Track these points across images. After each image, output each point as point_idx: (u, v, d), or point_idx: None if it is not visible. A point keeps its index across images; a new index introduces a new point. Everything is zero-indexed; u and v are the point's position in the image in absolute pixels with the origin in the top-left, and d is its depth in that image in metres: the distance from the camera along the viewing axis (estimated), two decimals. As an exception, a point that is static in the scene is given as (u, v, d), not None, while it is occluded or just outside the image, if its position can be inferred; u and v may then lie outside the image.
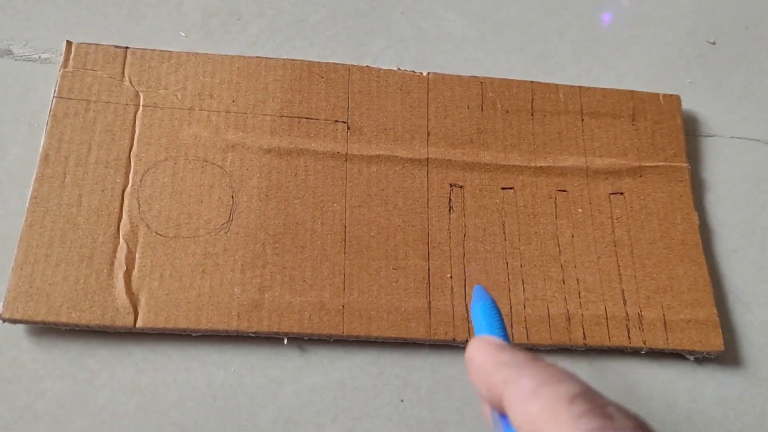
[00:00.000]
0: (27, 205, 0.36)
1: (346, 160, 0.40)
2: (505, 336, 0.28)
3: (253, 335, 0.36)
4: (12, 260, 0.35)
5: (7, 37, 0.42)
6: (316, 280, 0.37)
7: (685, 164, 0.43)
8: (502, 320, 0.29)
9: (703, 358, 0.39)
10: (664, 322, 0.39)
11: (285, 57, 0.42)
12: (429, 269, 0.38)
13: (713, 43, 0.50)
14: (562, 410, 0.19)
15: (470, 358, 0.24)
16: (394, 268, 0.38)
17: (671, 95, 0.45)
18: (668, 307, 0.39)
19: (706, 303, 0.39)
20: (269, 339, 0.36)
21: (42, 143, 0.37)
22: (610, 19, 0.49)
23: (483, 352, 0.23)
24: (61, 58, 0.40)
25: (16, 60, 0.41)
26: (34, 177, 0.37)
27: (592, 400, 0.19)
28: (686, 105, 0.45)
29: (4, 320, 0.34)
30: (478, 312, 0.30)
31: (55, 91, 0.39)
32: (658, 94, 0.45)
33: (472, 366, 0.24)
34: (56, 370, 0.34)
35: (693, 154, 0.45)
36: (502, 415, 0.23)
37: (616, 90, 0.44)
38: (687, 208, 0.42)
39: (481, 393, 0.23)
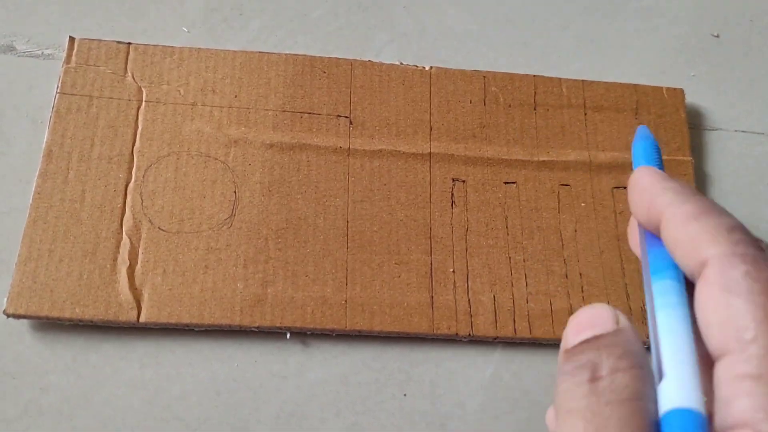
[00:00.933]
0: (30, 201, 0.36)
1: (348, 155, 0.40)
2: None
3: (255, 330, 0.36)
4: (16, 256, 0.35)
5: (10, 34, 0.42)
6: (319, 275, 0.37)
7: (689, 158, 0.43)
8: (662, 161, 0.28)
9: (706, 352, 0.39)
10: (668, 316, 0.38)
11: (287, 52, 0.42)
12: (431, 264, 0.38)
13: (717, 36, 0.50)
14: (721, 234, 0.20)
15: (636, 180, 0.24)
16: (396, 263, 0.38)
17: (674, 89, 0.45)
18: (671, 301, 0.39)
19: (710, 297, 0.39)
20: (272, 334, 0.36)
21: (45, 139, 0.38)
22: None
23: (652, 176, 0.24)
24: (64, 54, 0.40)
25: (18, 56, 0.41)
26: (37, 173, 0.37)
27: (749, 234, 0.20)
28: (690, 99, 0.45)
29: (9, 315, 0.34)
30: (640, 151, 0.29)
31: (57, 87, 0.39)
32: (661, 88, 0.45)
33: (638, 187, 0.24)
34: (60, 365, 0.35)
35: (697, 148, 0.45)
36: (651, 237, 0.24)
37: (619, 84, 0.44)
38: (690, 202, 0.42)
39: (638, 214, 0.24)
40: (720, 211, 0.21)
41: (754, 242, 0.20)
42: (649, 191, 0.23)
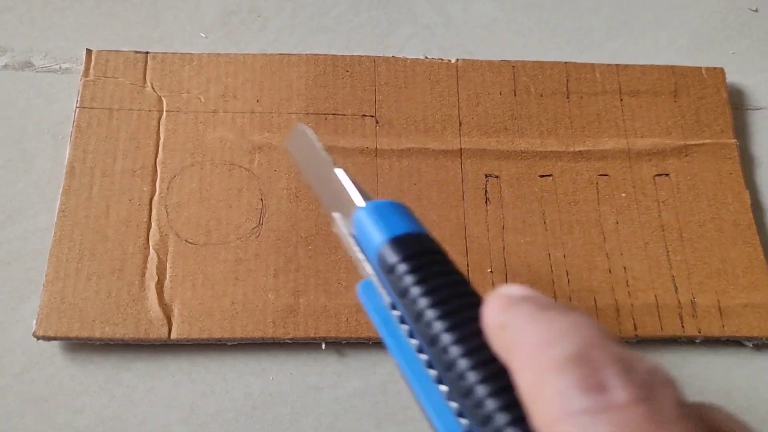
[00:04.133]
0: (55, 219, 0.35)
1: (376, 156, 0.39)
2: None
3: (289, 341, 0.35)
4: (43, 276, 0.34)
5: (27, 49, 0.41)
6: (352, 282, 0.36)
7: (733, 140, 0.41)
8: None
9: (761, 344, 0.37)
10: (719, 308, 0.37)
11: (308, 52, 0.41)
12: (468, 265, 0.37)
13: (756, 11, 0.47)
14: (550, 382, 0.16)
15: (481, 319, 0.20)
16: (431, 266, 0.36)
17: (714, 68, 0.43)
18: (723, 292, 0.37)
19: (763, 286, 0.37)
20: (306, 345, 0.35)
21: (67, 155, 0.37)
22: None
23: (488, 310, 0.19)
24: (82, 67, 0.39)
25: (37, 72, 0.41)
26: (61, 190, 0.36)
27: (587, 363, 0.16)
28: (731, 77, 0.43)
29: (38, 338, 0.33)
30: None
31: (77, 101, 0.38)
32: (700, 68, 0.43)
33: (483, 329, 0.20)
34: (93, 386, 0.34)
35: (741, 129, 0.43)
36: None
37: (656, 66, 0.42)
38: (737, 186, 0.40)
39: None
40: (560, 333, 0.17)
41: (592, 378, 0.16)
42: (491, 337, 0.19)
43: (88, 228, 0.36)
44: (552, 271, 0.37)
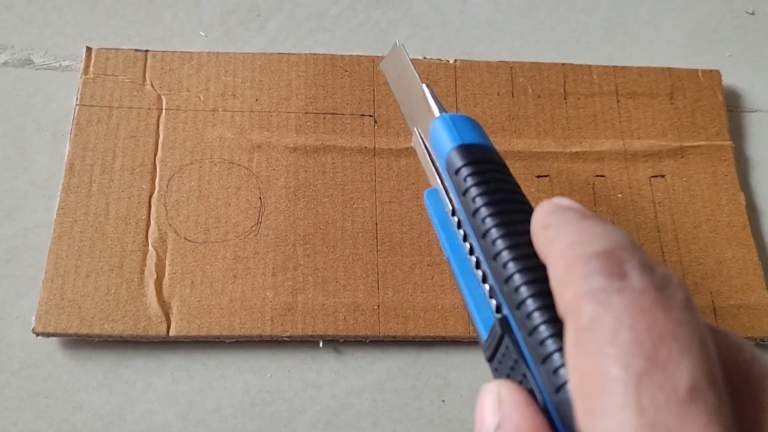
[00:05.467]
0: (54, 216, 0.36)
1: (374, 155, 0.39)
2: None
3: (287, 339, 0.35)
4: (42, 273, 0.34)
5: (27, 47, 0.41)
6: (349, 281, 0.36)
7: (729, 142, 0.41)
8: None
9: (756, 345, 0.37)
10: (714, 309, 0.37)
11: (307, 52, 0.41)
12: (465, 264, 0.37)
13: (752, 14, 0.48)
14: (577, 269, 0.18)
15: (531, 220, 0.23)
16: (428, 265, 0.37)
17: (710, 70, 0.43)
18: (717, 293, 0.37)
19: (757, 287, 0.38)
20: (304, 342, 0.36)
21: (66, 152, 0.37)
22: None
23: (537, 211, 0.22)
24: (82, 65, 0.39)
25: (36, 69, 0.41)
26: (60, 187, 0.36)
27: (613, 257, 0.18)
28: (727, 80, 0.43)
29: (38, 334, 0.33)
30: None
31: (77, 98, 0.38)
32: (696, 70, 0.43)
33: (531, 228, 0.22)
34: (92, 382, 0.34)
35: (736, 131, 0.43)
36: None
37: (653, 68, 0.42)
38: (732, 188, 0.40)
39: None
40: (595, 235, 0.19)
41: (615, 267, 0.17)
42: (534, 236, 0.21)
43: (88, 225, 0.36)
44: (548, 270, 0.37)
